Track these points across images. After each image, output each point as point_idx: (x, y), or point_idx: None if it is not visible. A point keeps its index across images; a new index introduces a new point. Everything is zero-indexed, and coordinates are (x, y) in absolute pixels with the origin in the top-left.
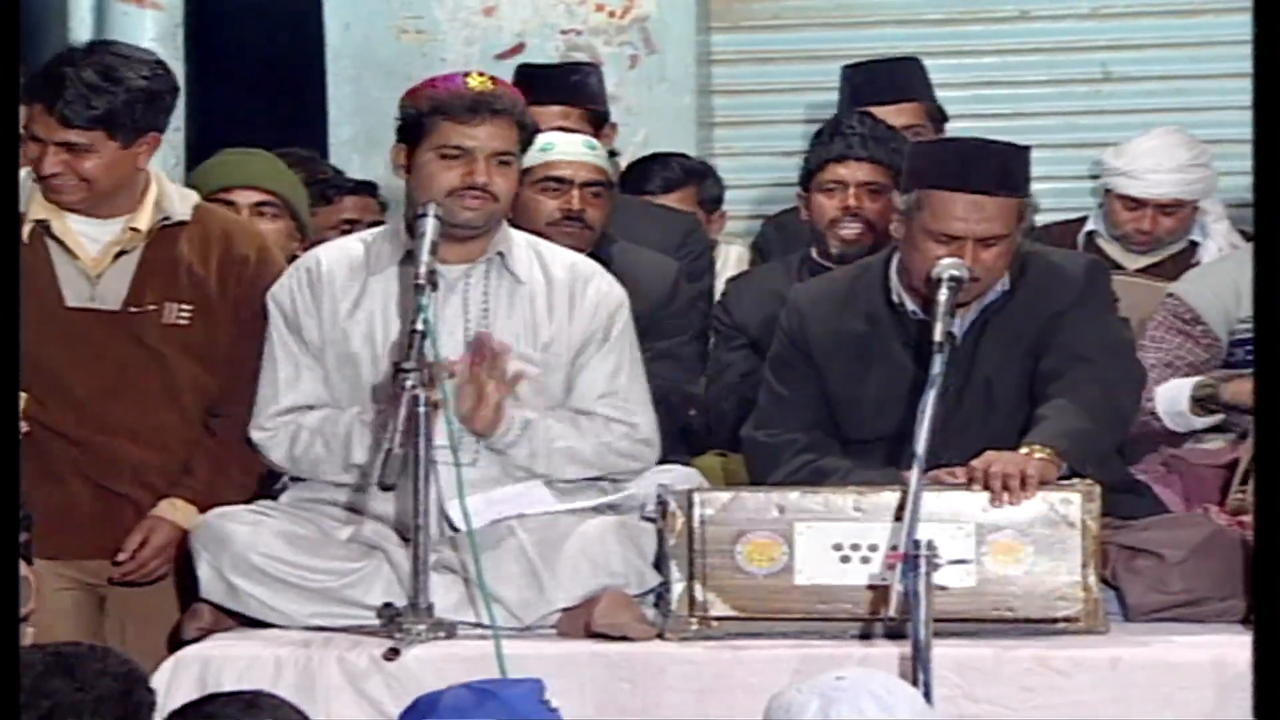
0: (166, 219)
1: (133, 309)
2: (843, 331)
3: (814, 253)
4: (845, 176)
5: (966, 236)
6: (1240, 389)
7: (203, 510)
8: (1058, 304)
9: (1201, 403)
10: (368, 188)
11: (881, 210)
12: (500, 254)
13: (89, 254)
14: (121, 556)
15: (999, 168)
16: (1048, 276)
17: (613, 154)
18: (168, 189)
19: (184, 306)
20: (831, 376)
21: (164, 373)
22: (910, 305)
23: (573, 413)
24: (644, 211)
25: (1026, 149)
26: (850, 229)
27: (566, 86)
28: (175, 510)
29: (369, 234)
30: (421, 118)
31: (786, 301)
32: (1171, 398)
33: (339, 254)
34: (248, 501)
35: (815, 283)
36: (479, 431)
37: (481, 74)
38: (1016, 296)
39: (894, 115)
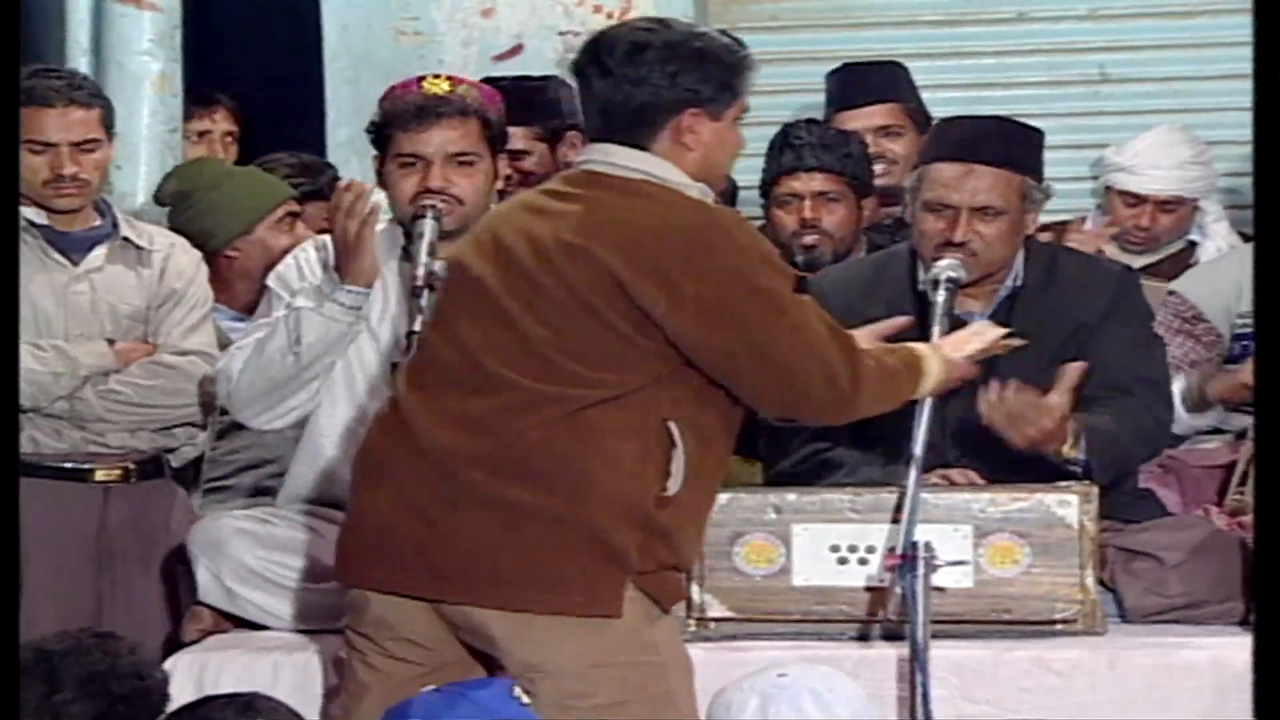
0: None
1: None
2: (863, 318)
3: None
4: (799, 189)
5: (960, 206)
6: (1224, 385)
7: None
8: (1087, 313)
9: (1193, 401)
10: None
11: (840, 219)
12: None
13: None
14: None
15: (998, 141)
16: (1078, 279)
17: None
18: None
19: None
20: None
21: None
22: (933, 294)
23: None
24: None
25: (1035, 131)
26: (809, 239)
27: (516, 106)
28: None
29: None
30: (381, 129)
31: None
32: None
33: None
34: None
35: (841, 268)
36: None
37: (438, 77)
38: (1046, 295)
39: (873, 116)
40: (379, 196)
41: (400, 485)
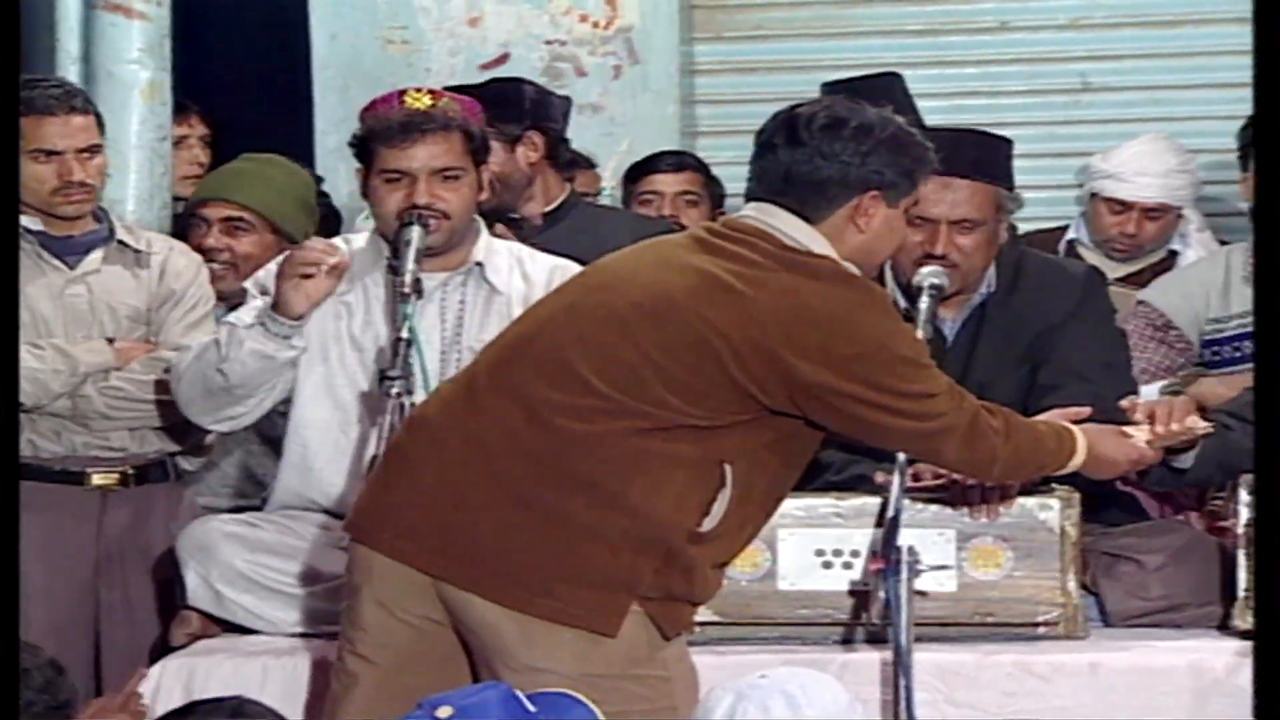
0: None
1: None
2: None
3: None
4: None
5: (939, 219)
6: (1204, 389)
7: None
8: (1055, 313)
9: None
10: None
11: None
12: (479, 264)
13: None
14: None
15: (972, 153)
16: (1044, 282)
17: (555, 159)
18: None
19: None
20: None
21: None
22: (904, 304)
23: None
24: (613, 217)
25: (1006, 140)
26: None
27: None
28: None
29: (354, 237)
30: (365, 143)
31: None
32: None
33: None
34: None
35: None
36: None
37: (419, 90)
38: (1013, 300)
39: None
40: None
41: (444, 460)
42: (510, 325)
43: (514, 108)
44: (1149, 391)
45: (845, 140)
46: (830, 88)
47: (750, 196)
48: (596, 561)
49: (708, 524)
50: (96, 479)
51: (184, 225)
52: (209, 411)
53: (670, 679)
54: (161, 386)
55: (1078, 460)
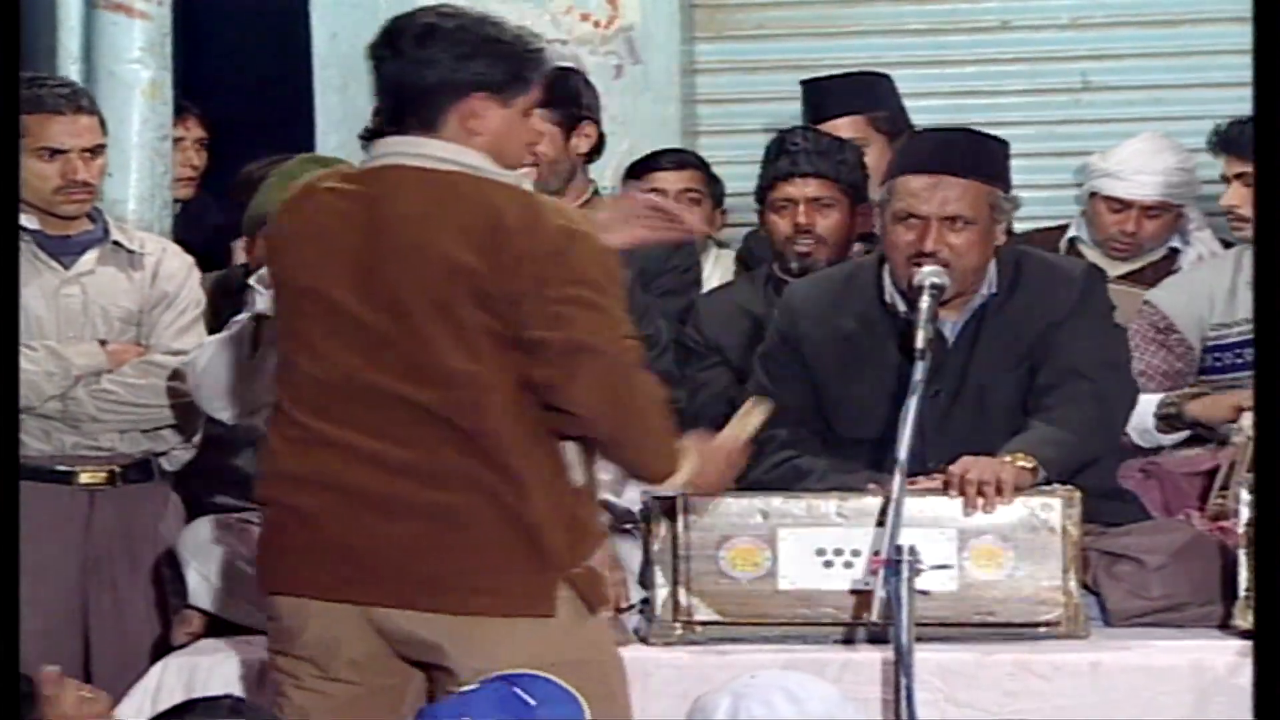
0: None
1: None
2: (834, 331)
3: (776, 268)
4: (793, 194)
5: (929, 216)
6: (1201, 407)
7: None
8: (1055, 313)
9: (1167, 420)
10: None
11: (834, 224)
12: None
13: None
14: None
15: (964, 152)
16: (1044, 281)
17: (592, 157)
18: None
19: None
20: (821, 375)
21: None
22: (902, 306)
23: None
24: None
25: (1001, 141)
26: (803, 245)
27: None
28: None
29: None
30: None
31: (776, 305)
32: (1138, 415)
33: None
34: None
35: (809, 280)
36: None
37: None
38: (1013, 300)
39: (837, 130)
40: None
41: (332, 499)
42: (299, 365)
43: (570, 95)
44: (1148, 401)
45: (443, 45)
46: (802, 89)
47: (381, 128)
48: (517, 547)
49: (576, 477)
50: (84, 478)
51: (247, 244)
52: (233, 404)
53: (604, 662)
54: (152, 390)
55: (680, 478)
